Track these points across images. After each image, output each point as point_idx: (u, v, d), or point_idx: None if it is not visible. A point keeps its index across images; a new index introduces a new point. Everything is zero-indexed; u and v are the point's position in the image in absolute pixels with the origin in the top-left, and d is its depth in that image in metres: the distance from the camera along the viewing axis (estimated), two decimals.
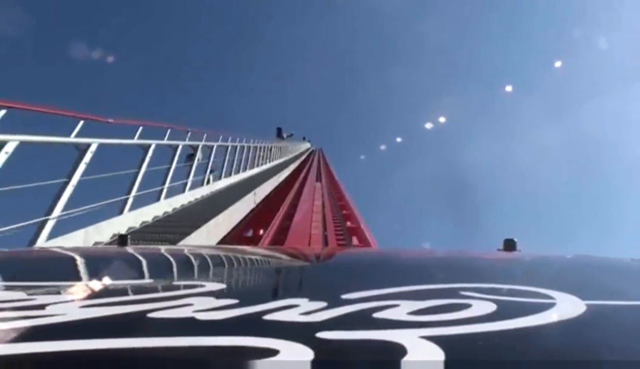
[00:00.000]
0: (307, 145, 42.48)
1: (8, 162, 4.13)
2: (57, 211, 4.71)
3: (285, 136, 33.69)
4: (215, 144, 9.93)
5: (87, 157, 5.25)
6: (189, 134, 8.59)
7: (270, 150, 19.33)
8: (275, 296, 0.56)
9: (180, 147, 8.06)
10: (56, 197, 4.80)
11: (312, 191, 15.78)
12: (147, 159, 6.79)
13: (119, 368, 0.40)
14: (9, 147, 4.16)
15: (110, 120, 6.14)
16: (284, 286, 0.80)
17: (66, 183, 4.90)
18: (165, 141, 7.53)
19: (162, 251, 1.28)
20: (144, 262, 1.05)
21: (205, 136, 9.40)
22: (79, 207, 5.17)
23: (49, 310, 0.51)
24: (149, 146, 6.93)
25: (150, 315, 0.50)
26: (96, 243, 4.93)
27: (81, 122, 5.22)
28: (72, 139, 5.16)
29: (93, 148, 5.34)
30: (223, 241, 7.14)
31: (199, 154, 8.72)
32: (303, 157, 30.64)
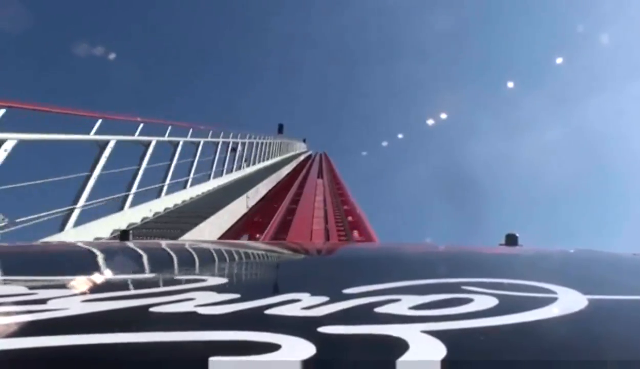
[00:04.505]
0: (300, 146, 28.37)
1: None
2: (61, 207, 4.71)
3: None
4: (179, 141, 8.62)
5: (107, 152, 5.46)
6: (169, 128, 8.35)
7: None
8: (276, 291, 0.56)
9: (181, 143, 7.99)
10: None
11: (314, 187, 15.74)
12: (142, 156, 6.74)
13: (121, 362, 0.40)
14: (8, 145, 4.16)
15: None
16: (285, 280, 0.80)
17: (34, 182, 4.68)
18: (131, 137, 7.30)
19: (164, 245, 1.28)
20: (146, 257, 1.05)
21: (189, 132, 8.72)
22: (79, 204, 5.18)
23: (50, 305, 0.51)
24: (149, 142, 6.90)
25: (152, 310, 0.50)
26: (97, 239, 4.94)
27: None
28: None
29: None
30: (225, 235, 7.14)
31: (178, 150, 8.45)
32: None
